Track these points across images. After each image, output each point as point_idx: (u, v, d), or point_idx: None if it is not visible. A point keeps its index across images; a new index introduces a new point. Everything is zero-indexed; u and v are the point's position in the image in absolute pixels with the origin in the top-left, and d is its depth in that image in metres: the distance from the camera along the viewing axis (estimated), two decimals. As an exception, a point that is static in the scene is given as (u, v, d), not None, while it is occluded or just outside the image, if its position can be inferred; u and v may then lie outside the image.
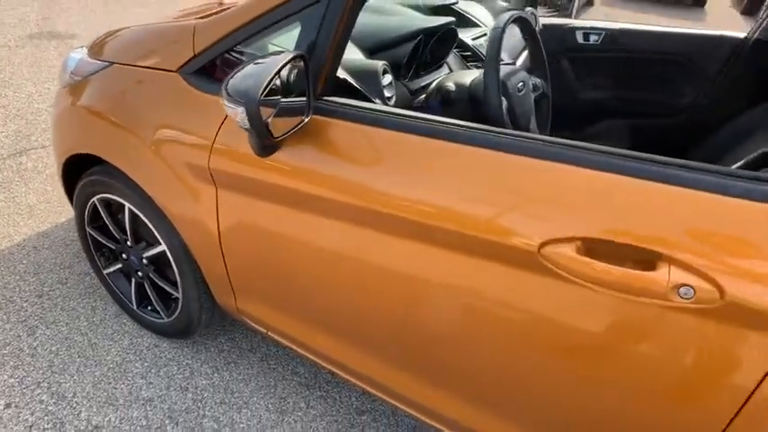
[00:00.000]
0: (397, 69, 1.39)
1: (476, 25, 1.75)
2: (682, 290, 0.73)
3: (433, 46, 1.51)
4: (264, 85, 0.85)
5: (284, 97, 0.97)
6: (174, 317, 1.61)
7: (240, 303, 1.38)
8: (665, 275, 0.73)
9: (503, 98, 1.19)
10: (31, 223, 2.21)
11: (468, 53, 1.74)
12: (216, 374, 1.62)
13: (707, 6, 11.18)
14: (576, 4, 7.51)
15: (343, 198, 1.01)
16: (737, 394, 0.74)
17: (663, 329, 0.76)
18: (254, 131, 0.90)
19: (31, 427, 1.41)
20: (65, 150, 1.55)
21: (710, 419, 0.78)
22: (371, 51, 1.34)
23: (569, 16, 7.33)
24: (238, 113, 0.87)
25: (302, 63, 0.95)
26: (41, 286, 1.89)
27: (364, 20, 1.51)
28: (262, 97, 0.85)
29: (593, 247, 0.78)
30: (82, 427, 1.42)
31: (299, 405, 1.54)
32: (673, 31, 2.05)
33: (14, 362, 1.58)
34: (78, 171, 1.59)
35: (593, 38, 2.08)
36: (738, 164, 1.06)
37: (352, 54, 1.29)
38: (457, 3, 1.80)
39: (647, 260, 0.75)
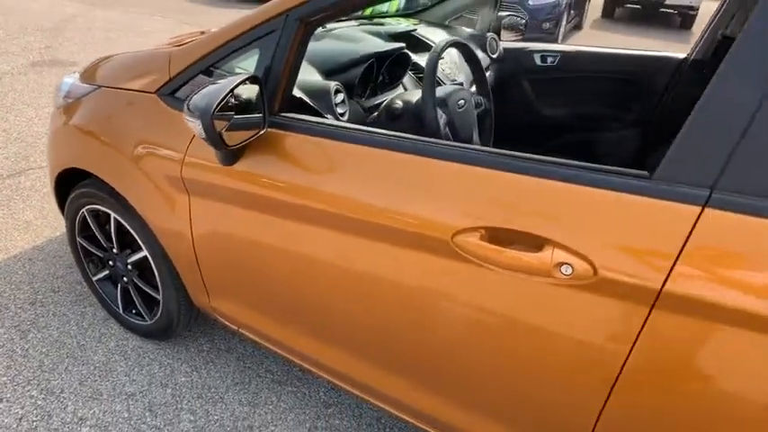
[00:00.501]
0: (352, 89, 1.55)
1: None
2: (563, 268, 0.86)
3: (389, 68, 1.67)
4: (218, 101, 1.01)
5: (248, 113, 1.12)
6: (155, 319, 1.74)
7: (213, 302, 1.51)
8: (549, 256, 0.87)
9: (442, 113, 1.34)
10: (27, 237, 2.36)
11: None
12: (194, 372, 1.74)
13: (693, 28, 11.47)
14: (561, 30, 7.77)
15: (298, 201, 1.15)
16: (615, 360, 0.87)
17: (550, 303, 0.89)
18: (209, 141, 1.05)
19: (20, 419, 1.53)
20: (57, 165, 1.70)
21: (596, 384, 0.90)
22: (327, 73, 1.50)
23: (555, 41, 7.58)
24: (196, 126, 1.02)
25: (257, 84, 1.10)
26: (35, 294, 2.02)
27: (324, 45, 1.68)
28: (215, 112, 1.00)
29: (495, 235, 0.92)
30: (68, 419, 1.54)
31: (270, 399, 1.66)
32: (622, 53, 2.22)
33: (7, 362, 1.71)
34: (70, 185, 1.74)
35: (549, 60, 2.24)
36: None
37: (310, 75, 1.45)
38: (416, 30, 1.97)
39: (536, 244, 0.89)
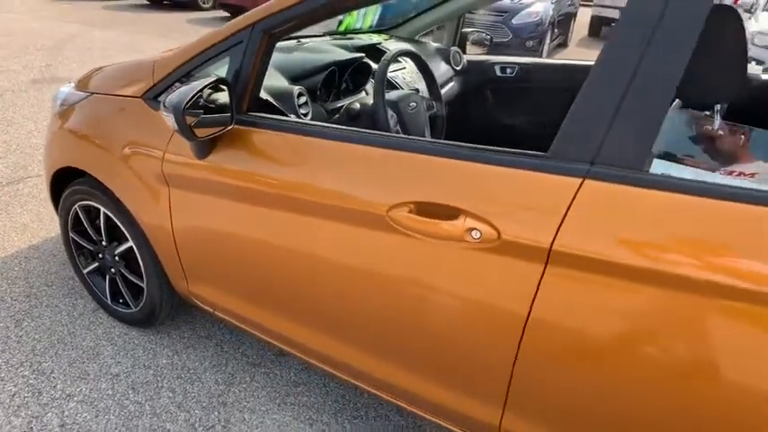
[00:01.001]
0: (316, 93, 1.73)
1: (396, 61, 2.10)
2: (473, 233, 1.02)
3: (352, 76, 1.86)
4: (188, 98, 1.18)
5: (224, 113, 1.30)
6: (140, 307, 1.89)
7: (191, 287, 1.66)
8: (462, 223, 1.03)
9: (393, 113, 1.52)
10: (23, 238, 2.51)
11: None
12: (175, 356, 1.88)
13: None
14: (545, 48, 8.03)
15: (263, 188, 1.32)
16: (521, 310, 1.02)
17: (463, 264, 1.05)
18: (181, 132, 1.22)
19: (13, 395, 1.66)
20: (53, 165, 1.87)
21: (507, 336, 1.05)
22: (293, 79, 1.68)
23: (540, 56, 7.84)
24: (170, 119, 1.19)
25: (225, 86, 1.28)
26: (30, 288, 2.17)
27: (293, 56, 1.87)
28: (186, 108, 1.18)
29: (420, 208, 1.09)
30: (57, 395, 1.68)
31: (244, 379, 1.80)
32: (576, 64, 2.41)
33: (2, 347, 1.85)
34: (63, 184, 1.90)
35: (508, 71, 2.44)
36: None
37: (277, 81, 1.63)
38: (380, 43, 2.16)
39: (452, 214, 1.05)
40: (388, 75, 1.91)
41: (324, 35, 2.25)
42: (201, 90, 1.21)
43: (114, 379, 1.76)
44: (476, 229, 1.02)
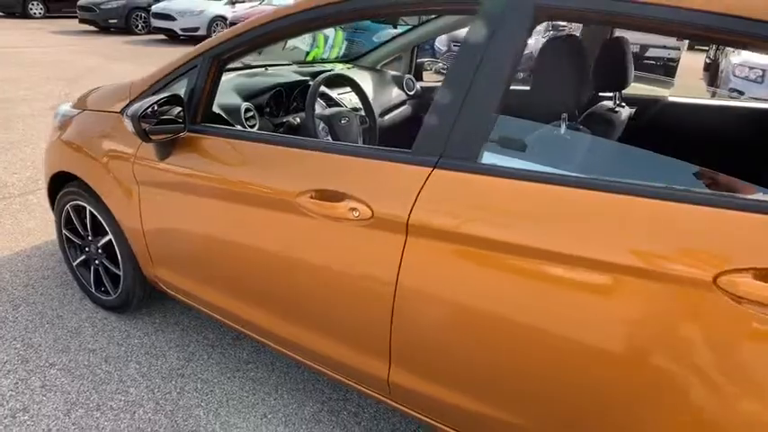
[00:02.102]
0: (265, 108, 2.05)
1: (341, 85, 2.37)
2: (354, 212, 1.30)
3: (302, 96, 2.17)
4: (143, 109, 1.49)
5: (178, 122, 1.61)
6: (117, 294, 2.18)
7: (156, 271, 1.95)
8: (346, 205, 1.31)
9: (326, 126, 1.82)
10: (28, 240, 2.84)
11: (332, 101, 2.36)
12: (146, 337, 2.16)
13: (676, 78, 12.06)
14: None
15: (208, 183, 1.61)
16: (391, 276, 1.28)
17: (348, 239, 1.32)
18: (137, 135, 1.53)
19: (5, 362, 1.95)
20: (50, 170, 2.20)
21: (382, 301, 1.30)
22: (246, 98, 2.00)
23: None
24: (129, 125, 1.50)
25: (178, 101, 1.59)
26: (28, 280, 2.48)
27: (250, 79, 2.20)
28: (141, 116, 1.49)
29: (320, 194, 1.37)
30: (41, 364, 1.96)
31: (202, 357, 2.06)
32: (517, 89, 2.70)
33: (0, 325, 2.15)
34: (59, 187, 2.23)
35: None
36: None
37: (231, 99, 1.95)
38: (333, 70, 2.48)
39: (338, 197, 1.33)
40: (335, 95, 2.23)
41: (291, 64, 2.58)
42: (155, 103, 1.52)
43: (91, 353, 2.04)
44: (356, 209, 1.30)
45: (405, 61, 2.88)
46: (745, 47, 1.10)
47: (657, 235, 1.00)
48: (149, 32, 12.61)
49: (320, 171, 1.39)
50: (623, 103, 2.03)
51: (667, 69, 11.81)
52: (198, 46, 1.70)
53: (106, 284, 2.23)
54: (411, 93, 2.78)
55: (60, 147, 2.15)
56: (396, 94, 2.69)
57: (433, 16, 2.52)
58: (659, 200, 1.01)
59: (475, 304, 1.19)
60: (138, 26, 12.87)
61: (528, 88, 1.65)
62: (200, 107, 1.70)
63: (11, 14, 14.08)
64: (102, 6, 12.22)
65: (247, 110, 1.89)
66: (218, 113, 1.80)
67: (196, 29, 11.69)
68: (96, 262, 2.23)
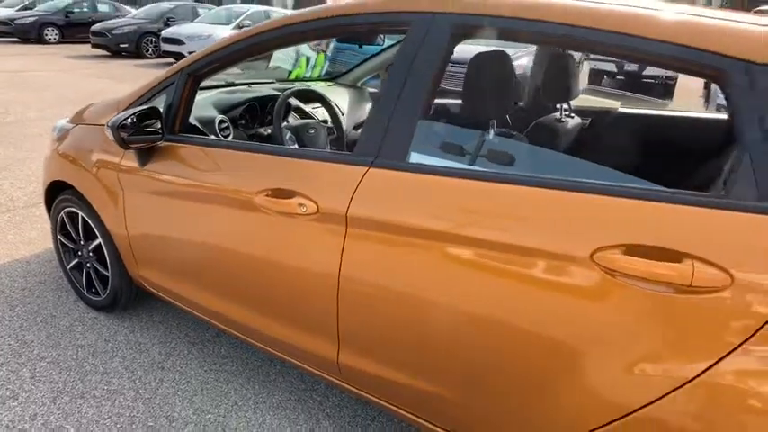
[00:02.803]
0: (240, 121, 2.24)
1: (322, 100, 2.56)
2: (301, 207, 1.46)
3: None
4: (122, 119, 1.67)
5: (156, 132, 1.79)
6: (106, 294, 2.34)
7: (141, 271, 2.12)
8: (296, 201, 1.47)
9: (293, 136, 1.99)
10: (28, 248, 3.03)
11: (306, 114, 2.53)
12: (131, 334, 2.31)
13: (675, 97, 12.21)
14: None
15: (183, 186, 1.78)
16: (335, 264, 1.43)
17: (298, 232, 1.48)
18: (116, 142, 1.71)
19: (-1, 356, 2.12)
20: (47, 179, 2.39)
21: (329, 288, 1.45)
22: (223, 111, 2.19)
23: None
24: (109, 134, 1.69)
25: (156, 113, 1.78)
26: (26, 283, 2.66)
27: (230, 95, 2.39)
28: (119, 126, 1.67)
29: (274, 193, 1.53)
30: (32, 357, 2.12)
31: (182, 352, 2.21)
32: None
33: (-3, 324, 2.32)
34: (54, 195, 2.42)
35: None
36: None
37: (208, 112, 2.14)
38: (309, 87, 2.66)
39: (290, 195, 1.49)
40: (309, 109, 2.41)
41: (274, 82, 2.78)
42: (132, 115, 1.70)
43: (79, 348, 2.20)
44: (304, 204, 1.46)
45: (382, 79, 3.06)
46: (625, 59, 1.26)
47: (550, 219, 1.15)
48: (159, 56, 13.02)
49: (276, 172, 1.55)
50: (572, 114, 2.19)
51: (666, 88, 11.97)
52: (176, 65, 1.89)
53: (96, 286, 2.40)
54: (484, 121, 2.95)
55: (56, 158, 2.35)
56: (454, 122, 2.89)
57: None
58: (551, 189, 1.16)
59: (403, 287, 1.34)
60: (148, 50, 13.31)
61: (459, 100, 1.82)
62: (177, 118, 1.88)
63: (27, 40, 14.62)
64: (114, 32, 12.69)
65: (222, 121, 2.08)
66: (195, 124, 1.98)
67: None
68: (88, 265, 2.40)
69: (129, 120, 1.70)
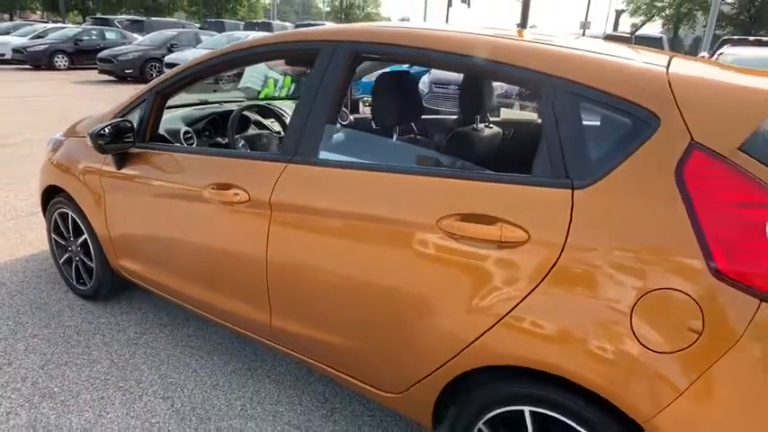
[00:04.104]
0: (203, 132, 2.63)
1: (275, 115, 2.94)
2: (237, 197, 1.82)
3: (240, 123, 2.74)
4: (99, 129, 2.05)
5: (129, 140, 2.17)
6: (91, 284, 2.71)
7: (120, 261, 2.48)
8: (232, 192, 1.83)
9: (247, 144, 2.37)
10: (28, 249, 3.41)
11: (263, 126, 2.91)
12: (112, 318, 2.66)
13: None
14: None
15: (151, 186, 2.16)
16: (263, 244, 1.79)
17: (237, 218, 1.84)
18: (94, 148, 2.08)
19: (-2, 334, 2.47)
20: (42, 184, 2.78)
21: (260, 264, 1.80)
22: (188, 124, 2.57)
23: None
24: (88, 141, 2.07)
25: (129, 124, 2.16)
26: (24, 278, 3.02)
27: (199, 111, 2.78)
28: (96, 134, 2.05)
29: (217, 186, 1.89)
30: (26, 335, 2.47)
31: (155, 331, 2.56)
32: (433, 118, 3.24)
33: (-3, 309, 2.69)
34: (49, 199, 2.80)
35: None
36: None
37: (176, 125, 2.52)
38: (269, 102, 3.06)
39: (228, 187, 1.85)
40: (269, 122, 2.80)
41: (243, 100, 3.17)
42: (106, 125, 2.09)
43: (66, 328, 2.55)
44: (238, 194, 1.82)
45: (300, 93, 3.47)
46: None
47: (412, 197, 1.50)
48: (162, 80, 13.59)
49: (220, 170, 1.93)
50: (491, 125, 2.55)
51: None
52: (148, 84, 2.28)
53: (84, 277, 2.76)
54: (345, 122, 3.34)
55: (50, 166, 2.74)
56: (360, 127, 3.28)
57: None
58: (416, 175, 1.52)
59: (312, 258, 1.69)
60: (152, 75, 13.88)
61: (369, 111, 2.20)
62: (148, 129, 2.26)
63: (38, 67, 15.31)
64: (120, 58, 13.30)
65: (186, 132, 2.47)
66: (163, 134, 2.37)
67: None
68: (76, 258, 2.76)
69: (106, 129, 2.08)
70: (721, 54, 7.88)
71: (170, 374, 2.25)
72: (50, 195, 2.80)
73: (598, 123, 1.39)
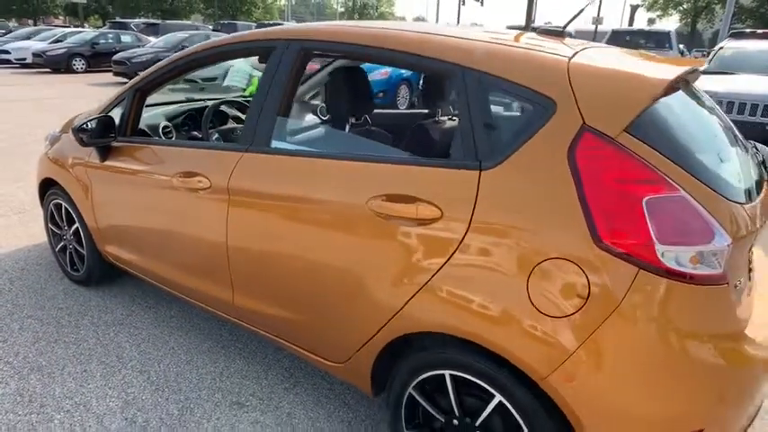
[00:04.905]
0: (182, 126, 2.80)
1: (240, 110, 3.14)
2: (200, 183, 1.98)
3: (217, 117, 2.91)
4: (80, 124, 2.23)
5: (111, 134, 2.35)
6: (83, 270, 2.90)
7: (106, 247, 2.67)
8: (196, 179, 1.99)
9: (220, 137, 2.53)
10: (31, 240, 3.63)
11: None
12: (102, 301, 2.85)
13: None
14: (399, 101, 9.60)
15: (131, 175, 2.33)
16: (223, 227, 1.94)
17: (200, 203, 2.00)
18: (77, 141, 2.27)
19: (-4, 315, 2.68)
20: (39, 177, 2.98)
21: (221, 246, 1.96)
22: (169, 119, 2.75)
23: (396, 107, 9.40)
24: (71, 135, 2.25)
25: (110, 121, 2.34)
26: (25, 265, 3.24)
27: (177, 107, 2.95)
28: (78, 128, 2.23)
29: (184, 174, 2.06)
30: (23, 315, 2.67)
31: (140, 313, 2.74)
32: (398, 112, 3.37)
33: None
34: (46, 191, 3.00)
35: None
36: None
37: (156, 120, 2.70)
38: (240, 100, 3.22)
39: (193, 175, 2.01)
40: (245, 117, 2.96)
41: (226, 98, 3.35)
42: (88, 121, 2.27)
43: (59, 310, 2.75)
44: (201, 180, 1.98)
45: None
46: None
47: (347, 180, 1.64)
48: (175, 82, 13.93)
49: (187, 160, 2.09)
50: (454, 117, 2.68)
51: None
52: (128, 83, 2.46)
53: (77, 263, 2.96)
54: (324, 118, 3.49)
55: (46, 160, 2.94)
56: (309, 118, 3.42)
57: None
58: (351, 161, 1.66)
59: (265, 238, 1.84)
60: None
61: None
62: (128, 123, 2.44)
63: (57, 70, 15.78)
64: (133, 60, 13.66)
65: (165, 126, 2.64)
66: (144, 129, 2.54)
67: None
68: (70, 246, 2.96)
69: (87, 124, 2.27)
70: (721, 48, 7.86)
71: (149, 351, 2.42)
72: (47, 188, 3.00)
73: (508, 110, 1.52)
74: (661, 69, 1.44)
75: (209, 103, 3.07)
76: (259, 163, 1.86)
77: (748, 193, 1.49)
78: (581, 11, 1.87)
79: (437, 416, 1.61)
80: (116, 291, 2.98)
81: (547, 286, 1.31)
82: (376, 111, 2.51)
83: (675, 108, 1.55)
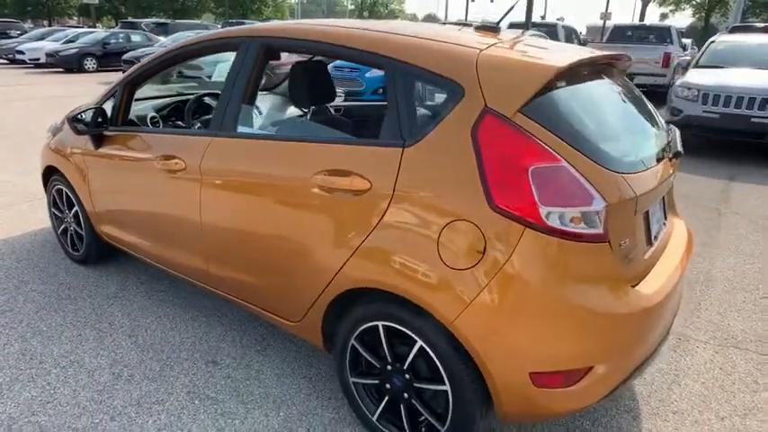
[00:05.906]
0: (170, 117, 3.07)
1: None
2: (177, 165, 2.24)
3: (201, 109, 3.17)
4: (74, 114, 2.50)
5: (105, 123, 2.62)
6: (83, 250, 3.19)
7: (102, 227, 2.94)
8: (173, 161, 2.25)
9: (203, 127, 2.81)
10: (40, 224, 3.93)
11: None
12: (98, 278, 3.14)
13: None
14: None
15: (123, 162, 2.60)
16: (197, 204, 2.20)
17: (177, 183, 2.26)
18: (72, 131, 2.54)
19: (3, 289, 2.97)
20: (42, 164, 3.27)
21: (195, 223, 2.22)
22: (157, 110, 3.02)
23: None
24: (65, 125, 2.52)
25: (102, 111, 2.61)
26: (32, 247, 3.54)
27: (166, 99, 3.22)
28: (72, 117, 2.50)
29: (164, 157, 2.32)
30: (27, 290, 2.96)
31: (133, 289, 3.02)
32: (372, 104, 3.61)
33: (6, 271, 3.19)
34: (49, 178, 3.29)
35: (338, 111, 3.68)
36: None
37: (146, 111, 2.97)
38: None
39: (171, 157, 2.27)
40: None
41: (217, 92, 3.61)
42: (81, 111, 2.54)
43: (60, 285, 3.03)
44: (178, 162, 2.24)
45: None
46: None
47: (296, 158, 1.89)
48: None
49: (167, 145, 2.35)
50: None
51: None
52: (120, 77, 2.73)
53: (77, 244, 3.25)
54: (306, 110, 3.74)
55: (48, 149, 3.23)
56: (291, 111, 3.67)
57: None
58: (300, 142, 1.91)
59: (230, 212, 2.10)
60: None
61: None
62: (119, 114, 2.71)
63: (69, 70, 16.24)
64: (142, 59, 14.04)
65: (153, 117, 2.91)
66: (134, 119, 2.82)
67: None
68: (70, 228, 3.25)
69: (81, 115, 2.54)
70: (713, 42, 7.98)
71: (138, 319, 2.70)
72: (49, 175, 3.29)
73: (431, 96, 1.75)
74: (559, 59, 1.67)
75: (198, 96, 3.34)
76: (226, 146, 2.12)
77: (639, 165, 1.71)
78: (512, 8, 2.09)
79: (375, 362, 1.85)
80: (112, 269, 3.26)
81: (452, 244, 1.55)
82: (346, 102, 2.76)
83: (582, 93, 1.78)
